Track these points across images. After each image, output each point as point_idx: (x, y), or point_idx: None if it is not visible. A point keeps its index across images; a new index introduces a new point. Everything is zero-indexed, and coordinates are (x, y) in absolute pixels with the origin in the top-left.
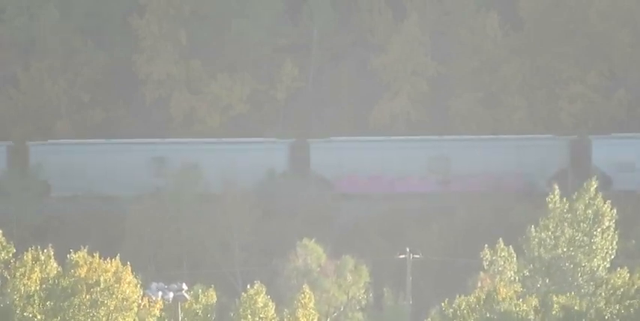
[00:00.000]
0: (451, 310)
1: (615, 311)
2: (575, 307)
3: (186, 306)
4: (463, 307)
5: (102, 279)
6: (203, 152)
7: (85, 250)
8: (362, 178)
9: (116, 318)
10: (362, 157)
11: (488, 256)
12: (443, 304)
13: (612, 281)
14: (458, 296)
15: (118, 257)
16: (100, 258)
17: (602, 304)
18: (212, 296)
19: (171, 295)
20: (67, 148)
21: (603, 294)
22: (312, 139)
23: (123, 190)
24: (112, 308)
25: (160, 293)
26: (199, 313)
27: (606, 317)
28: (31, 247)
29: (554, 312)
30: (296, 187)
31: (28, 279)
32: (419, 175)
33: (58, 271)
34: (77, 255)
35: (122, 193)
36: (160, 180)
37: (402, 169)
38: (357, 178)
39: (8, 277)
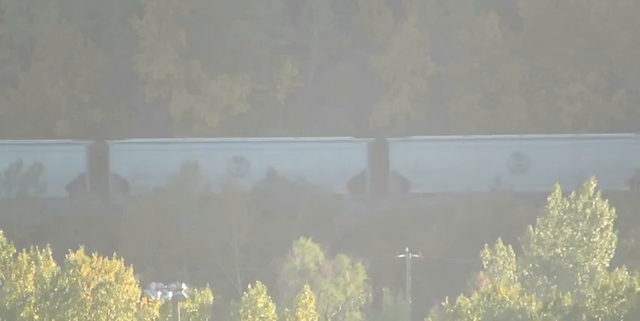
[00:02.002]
0: (451, 310)
1: (608, 312)
2: (566, 308)
3: (185, 305)
4: (465, 306)
5: (104, 279)
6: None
7: (82, 250)
8: None
9: (116, 318)
10: None
11: (487, 255)
12: (443, 303)
13: (602, 282)
14: (460, 296)
15: (119, 258)
16: (99, 258)
17: (592, 304)
18: (209, 295)
19: (170, 294)
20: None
21: (593, 295)
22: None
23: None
24: (112, 308)
25: (160, 293)
26: (196, 313)
27: (598, 318)
28: (30, 247)
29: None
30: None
31: (23, 279)
32: None
33: (56, 271)
34: (75, 255)
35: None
36: None
37: None
38: None
39: (4, 278)
